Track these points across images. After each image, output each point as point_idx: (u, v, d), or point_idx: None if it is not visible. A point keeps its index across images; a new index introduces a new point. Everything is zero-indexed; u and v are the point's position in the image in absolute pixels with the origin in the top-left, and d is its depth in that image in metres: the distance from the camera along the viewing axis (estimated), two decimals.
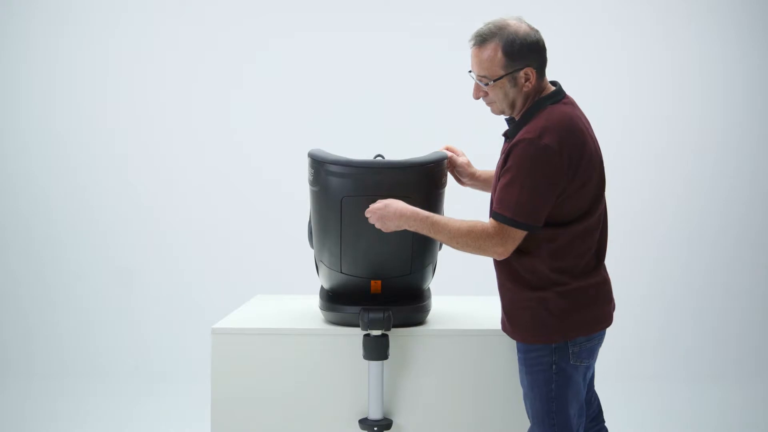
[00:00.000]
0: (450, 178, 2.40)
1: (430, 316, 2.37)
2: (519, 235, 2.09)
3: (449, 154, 2.44)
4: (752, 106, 5.05)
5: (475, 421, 2.24)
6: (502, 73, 2.16)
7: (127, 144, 5.06)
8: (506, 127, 2.26)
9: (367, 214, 2.17)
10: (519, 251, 2.13)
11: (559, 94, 2.22)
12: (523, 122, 2.16)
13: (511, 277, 2.17)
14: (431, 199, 2.25)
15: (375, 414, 2.17)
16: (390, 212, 2.14)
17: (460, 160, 2.48)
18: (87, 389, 4.60)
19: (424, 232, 2.14)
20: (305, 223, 2.38)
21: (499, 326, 2.28)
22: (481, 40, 2.21)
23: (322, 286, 2.39)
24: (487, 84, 2.18)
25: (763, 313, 4.99)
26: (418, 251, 2.25)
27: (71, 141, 5.06)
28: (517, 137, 2.10)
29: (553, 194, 2.08)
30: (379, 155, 2.30)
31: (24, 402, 4.45)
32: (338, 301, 2.30)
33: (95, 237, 5.04)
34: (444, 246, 2.38)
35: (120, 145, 5.06)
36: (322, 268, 2.31)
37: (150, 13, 5.07)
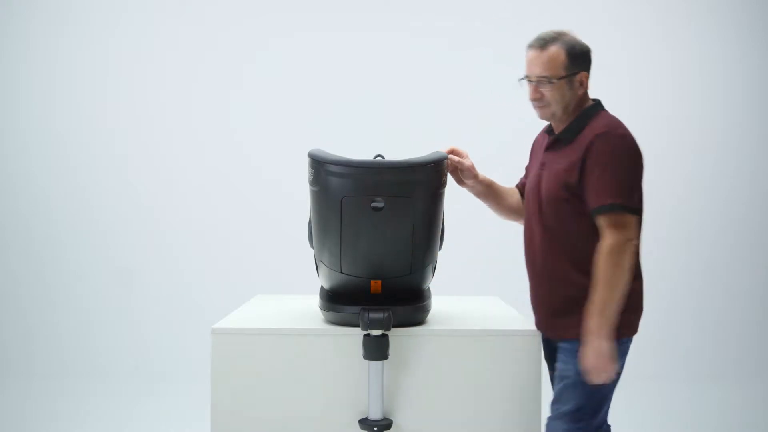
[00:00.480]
0: (450, 178, 2.39)
1: (430, 316, 2.37)
2: (632, 219, 2.14)
3: (455, 158, 2.45)
4: (752, 106, 5.06)
5: (475, 421, 2.24)
6: (563, 73, 2.27)
7: (127, 144, 5.07)
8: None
9: (595, 380, 2.14)
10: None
11: (602, 104, 2.35)
12: (581, 124, 2.27)
13: (585, 270, 2.19)
14: (431, 199, 2.24)
15: (375, 414, 2.17)
16: (601, 358, 2.11)
17: (467, 162, 2.49)
18: (87, 389, 4.60)
19: (611, 317, 2.11)
20: (305, 223, 2.37)
21: (498, 326, 2.29)
22: (544, 42, 2.31)
23: (322, 286, 2.39)
24: (549, 83, 2.27)
25: (763, 313, 4.99)
26: (418, 251, 2.25)
27: (71, 141, 5.06)
28: (590, 134, 2.20)
29: (640, 178, 2.20)
30: (379, 155, 2.30)
31: (24, 402, 4.45)
32: (338, 301, 2.29)
33: (95, 237, 5.05)
34: (444, 246, 2.38)
35: (120, 145, 5.07)
36: (322, 268, 2.31)
37: (150, 13, 5.07)
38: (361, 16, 5.08)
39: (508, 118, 4.96)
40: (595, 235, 2.18)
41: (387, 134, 4.68)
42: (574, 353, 2.18)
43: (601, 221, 2.14)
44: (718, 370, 4.78)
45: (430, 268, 2.35)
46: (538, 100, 2.30)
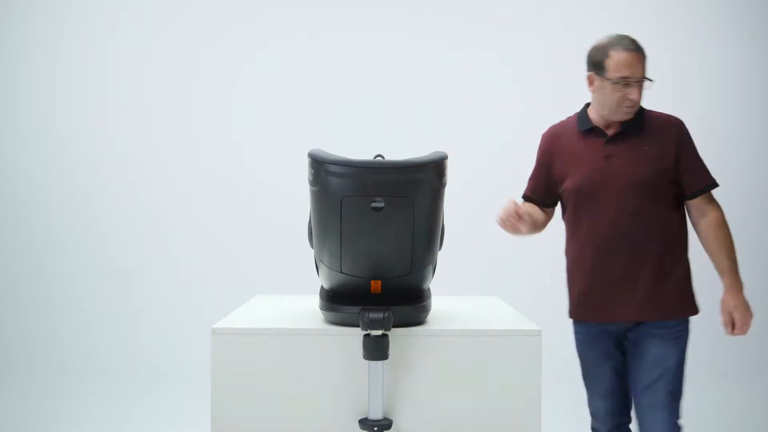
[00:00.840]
0: (450, 178, 2.39)
1: (430, 316, 2.37)
2: None
3: (523, 209, 2.51)
4: (752, 106, 5.06)
5: (475, 421, 2.24)
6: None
7: (127, 144, 5.07)
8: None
9: (744, 332, 2.63)
10: (682, 221, 2.56)
11: None
12: (641, 116, 2.55)
13: (669, 252, 2.53)
14: (431, 199, 2.24)
15: (375, 414, 2.17)
16: (742, 310, 2.64)
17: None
18: (87, 389, 4.60)
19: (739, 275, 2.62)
20: (305, 223, 2.37)
21: (498, 326, 2.29)
22: (638, 46, 2.50)
23: (322, 286, 2.38)
24: (646, 83, 2.49)
25: (763, 313, 4.97)
26: (418, 251, 2.24)
27: (71, 141, 5.07)
28: (667, 123, 2.55)
29: None
30: (379, 155, 2.29)
31: (24, 402, 4.46)
32: (338, 301, 2.29)
33: (95, 237, 5.04)
34: (444, 246, 2.38)
35: (120, 145, 5.07)
36: (322, 268, 2.31)
37: (150, 14, 5.07)
38: (361, 16, 5.08)
39: (508, 118, 4.98)
40: (671, 218, 2.52)
41: (387, 134, 4.69)
42: (671, 338, 2.50)
43: (705, 199, 2.55)
44: (718, 370, 4.78)
45: (430, 268, 2.34)
46: (632, 99, 2.48)
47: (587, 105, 2.70)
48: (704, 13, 5.04)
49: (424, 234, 2.23)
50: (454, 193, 2.44)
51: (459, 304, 2.67)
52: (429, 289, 2.40)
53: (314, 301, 2.43)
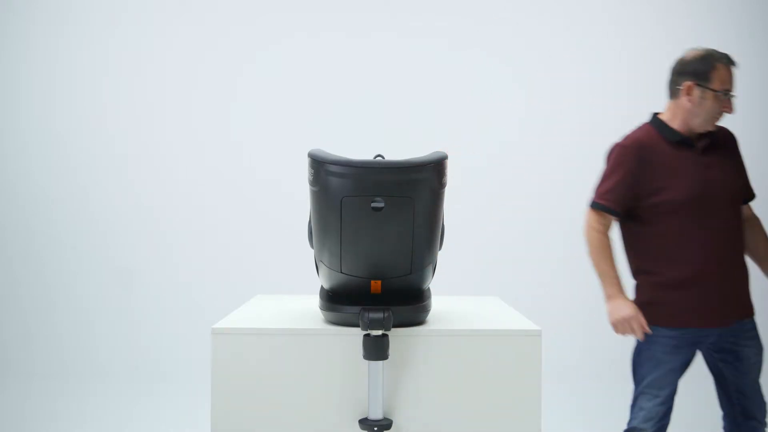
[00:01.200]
0: (450, 178, 2.39)
1: (430, 316, 2.37)
2: None
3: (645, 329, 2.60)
4: (752, 106, 5.05)
5: (475, 421, 2.24)
6: None
7: (127, 144, 5.07)
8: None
9: None
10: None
11: None
12: None
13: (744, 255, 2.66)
14: (431, 199, 2.24)
15: (375, 414, 2.17)
16: None
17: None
18: (87, 389, 4.60)
19: None
20: (305, 223, 2.37)
21: (498, 326, 2.29)
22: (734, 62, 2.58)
23: (322, 286, 2.38)
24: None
25: (763, 313, 4.97)
26: (418, 251, 2.25)
27: (71, 141, 5.07)
28: (727, 133, 2.68)
29: None
30: (379, 155, 2.29)
31: (24, 402, 4.46)
32: (338, 301, 2.29)
33: (95, 237, 5.05)
34: (444, 246, 2.39)
35: (120, 146, 5.07)
36: (322, 268, 2.31)
37: (150, 14, 5.07)
38: (361, 16, 5.08)
39: (508, 118, 4.97)
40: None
41: (387, 134, 4.69)
42: (757, 335, 2.67)
43: (751, 205, 2.69)
44: None
45: (430, 268, 2.34)
46: (732, 113, 2.59)
47: (657, 114, 2.68)
48: (704, 13, 5.03)
49: (424, 234, 2.23)
50: (454, 193, 2.44)
51: (459, 304, 2.67)
52: (429, 289, 2.40)
53: (314, 301, 2.43)
